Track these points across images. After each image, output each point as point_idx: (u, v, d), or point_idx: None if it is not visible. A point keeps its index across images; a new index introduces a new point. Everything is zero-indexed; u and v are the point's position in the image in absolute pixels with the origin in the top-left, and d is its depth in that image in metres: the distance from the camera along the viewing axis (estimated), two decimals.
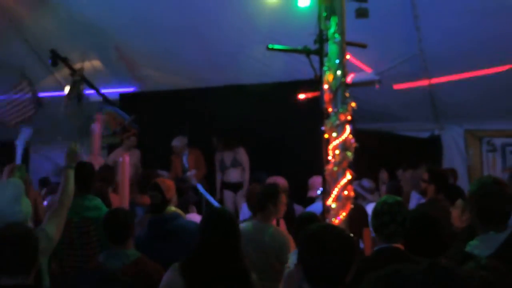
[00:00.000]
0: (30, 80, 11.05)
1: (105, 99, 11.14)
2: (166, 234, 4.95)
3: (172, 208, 5.39)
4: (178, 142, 10.00)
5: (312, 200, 7.44)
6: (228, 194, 9.83)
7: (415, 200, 7.79)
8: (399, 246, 3.68)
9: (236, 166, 9.80)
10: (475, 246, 3.47)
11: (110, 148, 11.41)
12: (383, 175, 9.18)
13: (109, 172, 7.02)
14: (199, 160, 10.00)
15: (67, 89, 10.68)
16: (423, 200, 7.08)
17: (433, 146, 10.57)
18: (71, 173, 4.64)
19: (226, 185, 9.84)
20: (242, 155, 9.80)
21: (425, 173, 6.98)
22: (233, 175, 9.79)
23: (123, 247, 4.29)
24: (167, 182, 5.54)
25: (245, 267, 3.74)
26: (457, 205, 5.45)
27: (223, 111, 10.15)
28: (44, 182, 11.04)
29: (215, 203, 7.62)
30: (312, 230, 2.65)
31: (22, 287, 3.00)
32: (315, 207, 6.75)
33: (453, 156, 10.51)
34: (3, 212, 4.04)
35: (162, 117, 10.62)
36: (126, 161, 6.88)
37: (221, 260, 3.62)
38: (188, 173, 9.64)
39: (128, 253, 4.25)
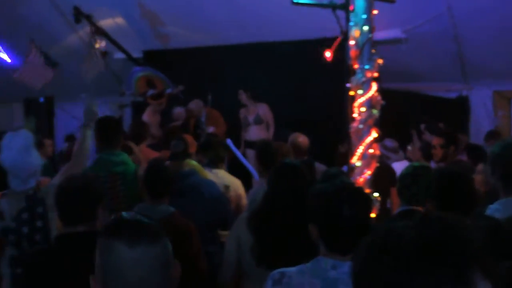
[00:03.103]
0: (39, 45, 11.04)
1: (129, 56, 11.13)
2: (183, 190, 4.90)
3: (193, 163, 5.38)
4: (194, 105, 9.92)
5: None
6: (250, 153, 9.79)
7: None
8: (420, 209, 3.60)
9: (259, 123, 9.73)
10: (495, 210, 3.34)
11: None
12: (414, 136, 8.98)
13: (142, 128, 7.00)
14: (217, 118, 9.95)
15: (90, 46, 10.68)
16: None
17: (460, 107, 10.40)
18: (88, 132, 4.61)
19: (248, 144, 9.80)
20: (266, 112, 9.72)
21: (438, 139, 6.91)
22: (255, 132, 9.70)
23: (158, 202, 4.24)
24: (191, 139, 5.50)
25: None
26: (478, 170, 5.35)
27: (246, 69, 10.05)
28: (69, 139, 11.10)
29: (244, 160, 7.57)
30: (324, 188, 2.55)
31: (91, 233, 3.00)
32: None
33: (481, 117, 10.32)
34: (14, 161, 4.05)
35: (185, 75, 10.57)
36: None
37: (289, 211, 3.58)
38: (207, 130, 9.64)
39: (163, 208, 4.21)
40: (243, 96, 9.73)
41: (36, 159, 4.18)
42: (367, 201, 2.53)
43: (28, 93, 12.73)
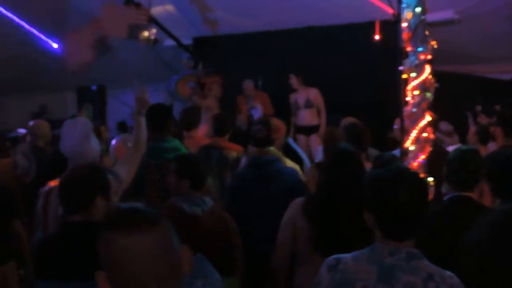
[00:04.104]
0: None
1: (179, 43, 11.19)
2: (266, 176, 4.85)
3: (273, 149, 5.32)
4: (250, 83, 9.97)
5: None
6: (300, 138, 9.76)
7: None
8: (470, 194, 3.50)
9: (309, 107, 9.68)
10: None
11: None
12: (469, 119, 8.80)
13: (193, 114, 7.00)
14: (265, 101, 9.95)
15: (142, 33, 10.77)
16: None
17: None
18: (142, 120, 4.63)
19: (298, 129, 9.77)
20: (317, 96, 9.66)
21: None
22: (305, 116, 9.66)
23: (200, 193, 4.25)
24: (278, 122, 5.43)
25: None
26: None
27: (296, 54, 10.02)
28: (121, 126, 11.27)
29: (306, 158, 7.53)
30: (380, 174, 2.49)
31: (89, 223, 3.08)
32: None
33: None
34: (75, 149, 4.11)
35: (235, 60, 10.58)
36: None
37: (345, 198, 3.56)
38: (253, 110, 9.65)
39: (205, 199, 4.21)
40: (294, 80, 9.70)
41: (95, 145, 4.22)
42: (424, 187, 2.47)
43: (81, 81, 12.96)
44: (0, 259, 4.37)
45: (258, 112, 9.54)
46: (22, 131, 8.84)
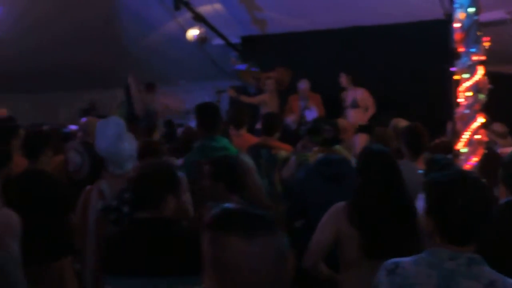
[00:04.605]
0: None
1: (227, 42, 11.26)
2: (335, 176, 4.84)
3: (340, 149, 5.34)
4: (305, 84, 9.91)
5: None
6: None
7: None
8: None
9: (355, 107, 9.62)
10: None
11: None
12: None
13: (241, 113, 6.99)
14: (318, 103, 9.91)
15: (189, 32, 10.87)
16: None
17: None
18: None
19: None
20: (365, 96, 9.60)
21: None
22: (352, 116, 9.58)
23: (238, 196, 4.15)
24: (345, 123, 5.38)
25: (409, 203, 3.66)
26: None
27: (344, 53, 9.99)
28: (168, 124, 11.31)
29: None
30: (442, 178, 2.44)
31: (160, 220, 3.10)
32: None
33: None
34: (108, 149, 4.16)
35: (282, 60, 10.59)
36: None
37: (383, 201, 3.55)
38: (307, 111, 9.62)
39: (242, 203, 4.16)
40: (343, 79, 9.65)
41: (130, 144, 4.23)
42: (487, 191, 2.43)
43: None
44: (57, 254, 4.46)
45: (312, 114, 9.49)
46: (73, 127, 8.96)
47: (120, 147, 4.17)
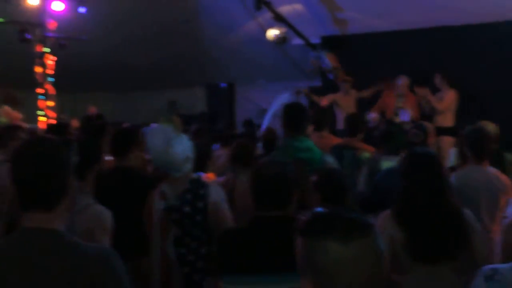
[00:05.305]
0: None
1: (307, 42, 11.24)
2: None
3: None
4: (403, 80, 9.70)
5: None
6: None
7: None
8: None
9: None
10: None
11: None
12: None
13: (322, 114, 6.96)
14: (414, 104, 9.71)
15: (269, 32, 10.90)
16: None
17: None
18: None
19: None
20: (448, 97, 9.34)
21: None
22: (436, 118, 9.38)
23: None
24: (430, 127, 5.37)
25: (456, 206, 3.58)
26: None
27: (427, 54, 9.82)
28: (247, 123, 11.39)
29: None
30: None
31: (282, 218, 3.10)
32: None
33: None
34: (160, 158, 4.18)
35: (363, 60, 10.49)
36: None
37: (430, 201, 3.48)
38: (402, 111, 9.46)
39: None
40: (438, 79, 9.44)
41: (181, 148, 4.16)
42: None
43: (209, 78, 13.29)
44: (138, 252, 4.48)
45: (406, 116, 9.31)
46: (154, 126, 9.12)
47: (170, 153, 4.19)
